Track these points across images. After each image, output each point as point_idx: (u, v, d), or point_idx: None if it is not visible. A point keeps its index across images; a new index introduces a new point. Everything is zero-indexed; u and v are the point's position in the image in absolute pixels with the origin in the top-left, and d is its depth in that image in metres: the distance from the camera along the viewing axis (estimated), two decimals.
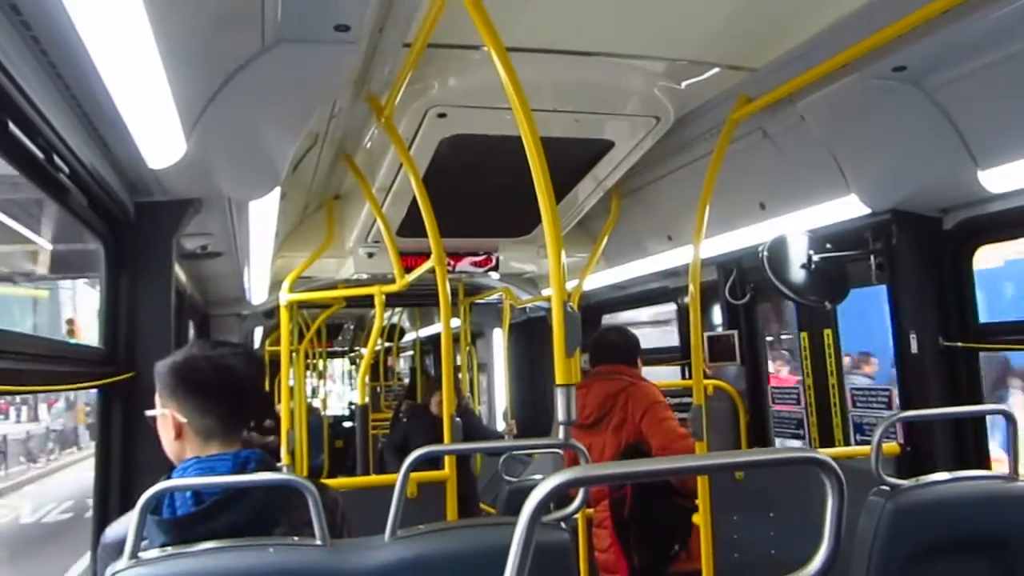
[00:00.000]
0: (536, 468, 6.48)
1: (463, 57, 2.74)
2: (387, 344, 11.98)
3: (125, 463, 2.61)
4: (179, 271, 3.85)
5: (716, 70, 2.97)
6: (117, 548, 1.68)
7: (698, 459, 1.34)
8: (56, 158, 1.90)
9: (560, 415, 1.96)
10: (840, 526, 1.04)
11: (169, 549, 1.64)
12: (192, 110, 2.13)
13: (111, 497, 2.60)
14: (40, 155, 1.80)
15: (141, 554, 1.62)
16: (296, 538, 1.73)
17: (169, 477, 1.77)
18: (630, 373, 3.80)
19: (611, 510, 3.64)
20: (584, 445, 3.66)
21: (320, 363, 10.41)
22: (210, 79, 2.11)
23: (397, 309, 10.33)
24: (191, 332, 5.16)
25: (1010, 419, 2.24)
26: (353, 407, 10.27)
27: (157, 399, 1.88)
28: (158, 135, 2.12)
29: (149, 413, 1.90)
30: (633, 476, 1.54)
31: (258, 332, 9.21)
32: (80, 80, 1.76)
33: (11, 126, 1.59)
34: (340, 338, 14.84)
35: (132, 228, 2.74)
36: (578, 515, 3.87)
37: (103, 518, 2.53)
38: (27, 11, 1.45)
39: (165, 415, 1.85)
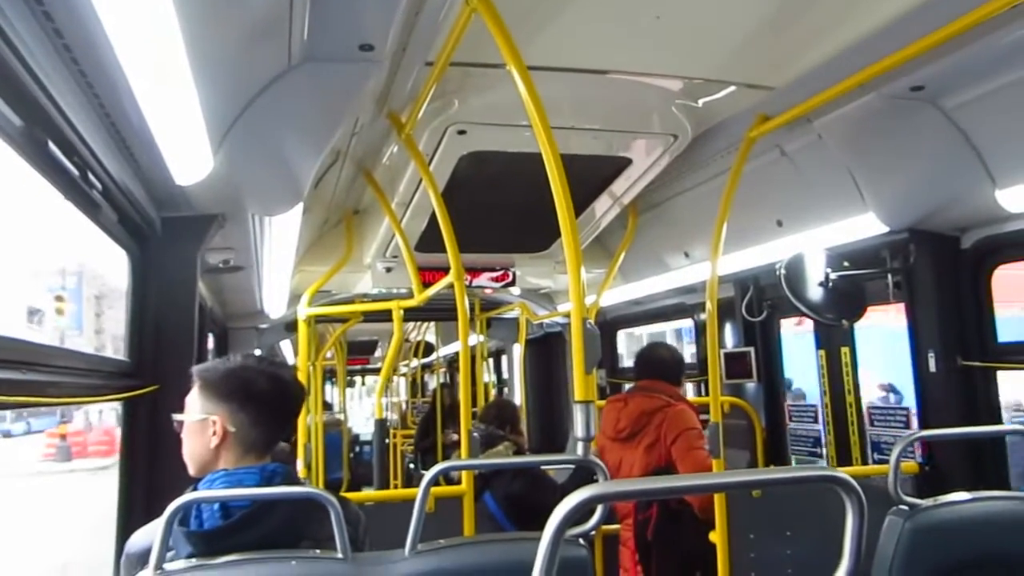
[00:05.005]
0: None
1: (484, 75, 2.77)
2: (423, 360, 12.14)
3: (150, 475, 2.64)
4: (200, 284, 3.89)
5: (733, 88, 2.99)
6: (141, 558, 1.70)
7: (718, 477, 1.35)
8: (90, 175, 1.95)
9: (579, 431, 1.96)
10: (860, 545, 1.05)
11: (194, 561, 1.66)
12: (220, 127, 2.17)
13: (135, 508, 2.64)
14: (76, 173, 1.84)
15: (166, 565, 1.64)
16: (318, 551, 1.75)
17: (195, 489, 1.78)
18: (670, 392, 3.75)
19: (635, 530, 3.62)
20: (616, 459, 3.72)
21: (344, 378, 10.59)
22: (238, 97, 2.16)
23: (425, 326, 10.40)
24: (210, 345, 5.20)
25: None
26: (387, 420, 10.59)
27: (196, 404, 1.83)
28: (187, 152, 2.15)
29: (179, 417, 1.85)
30: (653, 493, 1.56)
31: (285, 346, 9.26)
32: (115, 99, 1.81)
33: (51, 145, 1.64)
34: (377, 355, 15.06)
35: (158, 242, 2.78)
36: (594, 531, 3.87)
37: (127, 528, 2.56)
38: (68, 34, 1.50)
39: (207, 421, 1.81)
